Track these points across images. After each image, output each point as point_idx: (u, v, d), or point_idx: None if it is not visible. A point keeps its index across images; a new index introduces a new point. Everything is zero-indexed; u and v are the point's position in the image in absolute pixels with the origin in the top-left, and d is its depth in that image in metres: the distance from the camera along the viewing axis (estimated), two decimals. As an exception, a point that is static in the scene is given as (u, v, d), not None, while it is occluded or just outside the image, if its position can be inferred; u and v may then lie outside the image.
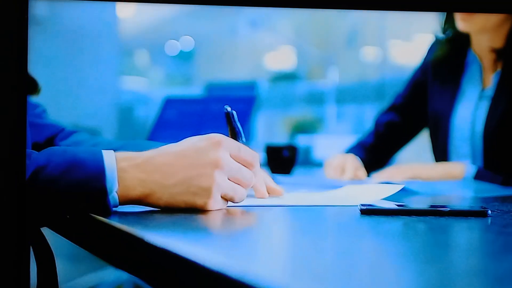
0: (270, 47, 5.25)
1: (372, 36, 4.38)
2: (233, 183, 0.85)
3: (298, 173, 1.72)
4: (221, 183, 0.83)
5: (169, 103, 1.87)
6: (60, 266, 0.95)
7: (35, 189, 0.80)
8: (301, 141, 3.62)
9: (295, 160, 1.66)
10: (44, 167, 0.80)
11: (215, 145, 0.83)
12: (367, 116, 4.36)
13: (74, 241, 0.85)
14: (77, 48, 3.75)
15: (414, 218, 0.80)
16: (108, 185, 0.81)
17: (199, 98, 2.04)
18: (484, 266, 0.56)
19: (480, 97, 1.58)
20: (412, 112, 1.76)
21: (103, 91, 3.95)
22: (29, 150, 0.82)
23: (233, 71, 5.69)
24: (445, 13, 1.63)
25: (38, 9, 3.40)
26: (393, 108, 1.78)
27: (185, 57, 6.13)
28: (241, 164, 0.86)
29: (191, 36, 5.63)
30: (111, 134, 3.97)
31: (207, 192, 0.82)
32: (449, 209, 0.81)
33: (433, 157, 1.71)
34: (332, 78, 4.51)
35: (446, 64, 1.66)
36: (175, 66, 6.30)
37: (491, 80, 1.58)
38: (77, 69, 3.77)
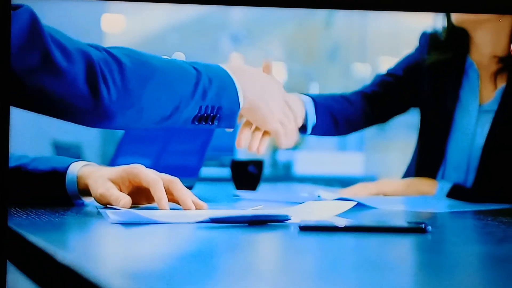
0: (255, 63, 5.26)
1: (354, 51, 4.39)
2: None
3: (266, 189, 1.69)
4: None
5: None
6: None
7: None
8: (282, 156, 3.60)
9: (261, 175, 1.62)
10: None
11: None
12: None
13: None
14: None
15: (353, 234, 0.78)
16: None
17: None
18: (408, 284, 0.54)
19: (479, 111, 1.47)
20: (406, 86, 1.58)
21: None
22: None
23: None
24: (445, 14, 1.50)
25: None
26: (389, 74, 1.61)
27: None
28: None
29: (181, 52, 5.64)
30: (92, 151, 3.94)
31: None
32: (387, 225, 0.79)
33: (414, 158, 1.58)
34: (314, 93, 4.52)
35: (442, 66, 1.52)
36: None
37: (491, 94, 1.47)
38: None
